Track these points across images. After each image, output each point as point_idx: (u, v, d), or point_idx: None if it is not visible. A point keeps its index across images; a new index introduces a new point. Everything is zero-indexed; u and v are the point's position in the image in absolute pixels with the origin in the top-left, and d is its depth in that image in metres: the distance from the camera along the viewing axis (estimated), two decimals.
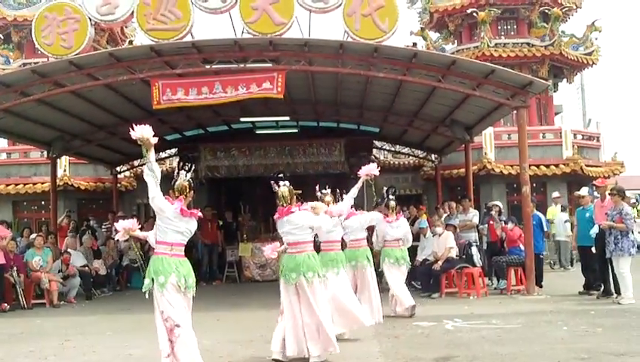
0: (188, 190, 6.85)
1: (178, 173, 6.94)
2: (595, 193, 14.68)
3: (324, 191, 9.49)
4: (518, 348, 8.15)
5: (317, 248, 8.64)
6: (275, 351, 7.80)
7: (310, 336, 7.71)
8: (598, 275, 13.08)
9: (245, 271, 19.18)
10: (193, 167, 7.09)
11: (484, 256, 15.25)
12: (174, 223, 6.67)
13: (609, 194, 12.55)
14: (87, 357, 8.70)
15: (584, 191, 14.08)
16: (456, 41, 25.58)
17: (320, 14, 14.13)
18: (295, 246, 7.92)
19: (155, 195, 6.55)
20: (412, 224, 15.04)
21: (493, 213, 15.14)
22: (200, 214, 6.91)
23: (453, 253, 14.21)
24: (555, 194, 20.00)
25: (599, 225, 12.48)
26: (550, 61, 23.64)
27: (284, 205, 7.99)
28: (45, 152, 19.66)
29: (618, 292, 12.32)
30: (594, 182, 13.73)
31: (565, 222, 18.90)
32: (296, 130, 21.35)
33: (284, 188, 8.05)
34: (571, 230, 17.65)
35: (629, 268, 12.05)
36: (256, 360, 8.16)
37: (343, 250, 9.81)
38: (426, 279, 14.47)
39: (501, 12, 23.96)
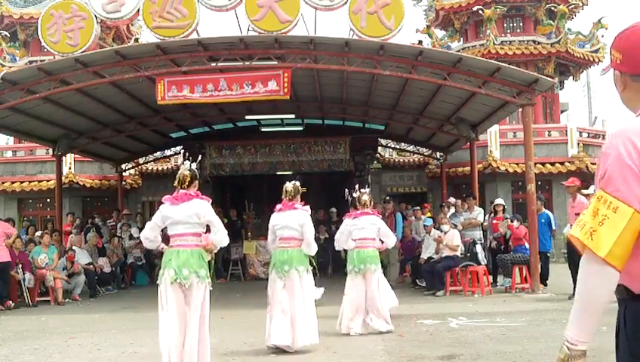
0: (189, 180, 6.77)
1: (182, 163, 6.98)
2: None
3: (362, 190, 10.16)
4: (522, 347, 8.14)
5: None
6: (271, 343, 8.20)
7: (298, 327, 8.12)
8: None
9: (250, 269, 19.21)
10: (199, 159, 7.07)
11: (489, 254, 15.28)
12: (170, 218, 6.69)
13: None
14: (92, 355, 8.70)
15: (591, 189, 14.06)
16: (462, 38, 25.57)
17: (326, 12, 14.13)
18: (288, 241, 8.36)
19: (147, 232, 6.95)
20: None
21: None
22: (193, 193, 6.74)
23: (459, 251, 14.21)
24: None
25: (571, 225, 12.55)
26: (556, 59, 23.61)
27: (288, 200, 8.48)
28: (51, 150, 19.72)
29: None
30: (563, 182, 13.67)
31: None
32: (301, 128, 21.35)
33: (288, 183, 8.60)
34: None
35: None
36: (260, 358, 8.16)
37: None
38: (430, 277, 14.46)
39: (507, 9, 23.95)
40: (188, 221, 6.61)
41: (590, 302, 2.34)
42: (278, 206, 8.62)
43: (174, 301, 6.55)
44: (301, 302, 8.23)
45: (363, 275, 9.74)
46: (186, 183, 6.75)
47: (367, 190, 10.49)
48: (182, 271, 6.49)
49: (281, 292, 8.24)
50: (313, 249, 8.50)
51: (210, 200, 6.93)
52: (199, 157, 7.10)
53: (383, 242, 10.15)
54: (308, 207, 8.70)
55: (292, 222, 8.38)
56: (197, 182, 6.85)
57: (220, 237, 6.76)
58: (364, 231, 9.87)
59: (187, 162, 6.93)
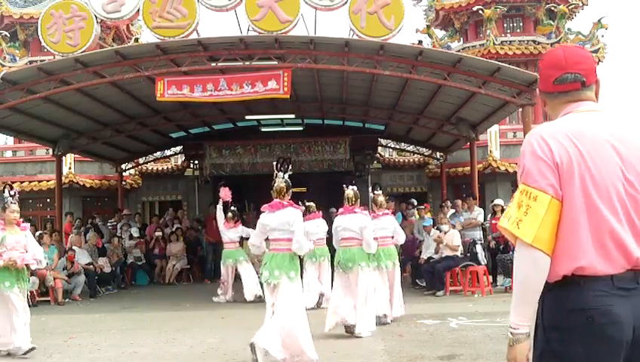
0: (285, 190, 7.62)
1: (276, 174, 7.72)
2: None
3: (376, 191, 10.99)
4: None
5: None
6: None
7: (358, 316, 9.17)
8: None
9: None
10: (290, 167, 7.84)
11: (489, 254, 15.28)
12: (268, 225, 7.58)
13: None
14: (92, 355, 8.70)
15: None
16: (462, 38, 25.54)
17: (326, 12, 14.13)
18: (349, 241, 9.38)
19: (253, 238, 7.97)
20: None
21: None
22: (285, 203, 7.56)
23: (458, 251, 14.21)
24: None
25: None
26: None
27: (349, 205, 9.57)
28: (51, 150, 19.70)
29: None
30: None
31: None
32: (301, 128, 21.35)
33: (349, 190, 9.69)
34: None
35: None
36: None
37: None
38: (430, 277, 14.46)
39: (507, 9, 23.92)
40: (281, 228, 7.47)
41: (525, 288, 2.55)
42: (340, 210, 9.76)
43: (269, 297, 7.48)
44: (362, 292, 9.17)
45: (386, 271, 10.52)
46: (283, 193, 7.62)
47: (380, 191, 11.16)
48: (274, 272, 7.35)
49: (345, 284, 9.32)
50: (373, 248, 9.41)
51: (303, 209, 7.84)
52: (289, 167, 7.87)
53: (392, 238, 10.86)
54: (367, 212, 9.80)
55: (353, 225, 9.36)
56: (291, 190, 7.70)
57: (296, 247, 7.46)
58: (385, 230, 10.61)
59: (280, 173, 7.72)
